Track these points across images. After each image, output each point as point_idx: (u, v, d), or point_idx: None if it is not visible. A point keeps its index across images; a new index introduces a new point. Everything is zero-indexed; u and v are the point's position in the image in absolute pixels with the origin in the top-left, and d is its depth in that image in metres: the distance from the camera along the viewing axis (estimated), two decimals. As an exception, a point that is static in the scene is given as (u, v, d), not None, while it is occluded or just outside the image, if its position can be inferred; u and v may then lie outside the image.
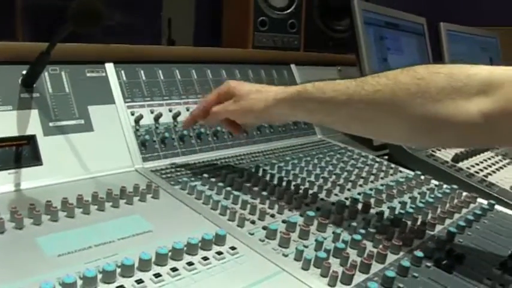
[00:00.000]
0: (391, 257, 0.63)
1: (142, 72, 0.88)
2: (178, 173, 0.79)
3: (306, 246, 0.62)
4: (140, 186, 0.70)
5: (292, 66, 1.17)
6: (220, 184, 0.75)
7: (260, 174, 0.84)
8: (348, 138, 1.13)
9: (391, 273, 0.57)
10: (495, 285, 0.61)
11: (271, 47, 1.22)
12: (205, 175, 0.78)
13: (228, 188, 0.74)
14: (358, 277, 0.57)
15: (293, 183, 0.82)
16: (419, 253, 0.63)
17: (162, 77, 0.90)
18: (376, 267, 0.60)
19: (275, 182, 0.82)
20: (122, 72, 0.85)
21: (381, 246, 0.64)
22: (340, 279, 0.56)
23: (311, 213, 0.69)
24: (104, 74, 0.83)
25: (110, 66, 0.84)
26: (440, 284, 0.59)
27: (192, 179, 0.77)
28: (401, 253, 0.65)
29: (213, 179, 0.76)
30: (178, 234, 0.58)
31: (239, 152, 0.93)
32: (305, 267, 0.57)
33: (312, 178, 0.86)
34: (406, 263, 0.60)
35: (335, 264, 0.58)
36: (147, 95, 0.86)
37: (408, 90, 0.60)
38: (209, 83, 0.97)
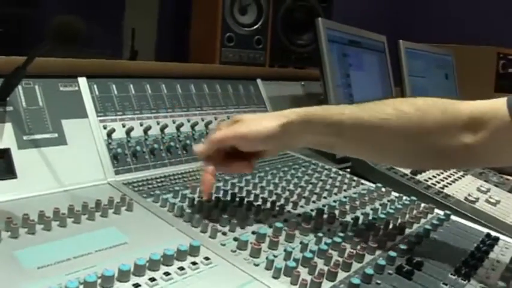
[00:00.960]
0: (355, 265, 0.67)
1: (114, 86, 0.90)
2: (150, 186, 0.81)
3: (276, 256, 0.65)
4: (114, 199, 0.72)
5: (259, 81, 1.21)
6: (191, 196, 0.77)
7: (228, 187, 0.87)
8: (311, 151, 1.17)
9: (356, 281, 0.61)
10: None
11: (237, 63, 1.25)
12: (177, 188, 0.80)
13: (199, 200, 0.77)
14: (326, 285, 0.61)
15: (261, 195, 0.85)
16: (382, 261, 0.68)
17: (133, 92, 0.92)
18: (341, 275, 0.64)
19: (243, 194, 0.85)
20: (95, 86, 0.87)
21: (346, 255, 0.68)
22: (309, 287, 0.59)
23: (279, 225, 0.72)
24: (77, 88, 0.84)
25: (82, 81, 0.86)
26: None
27: (164, 191, 0.79)
28: (365, 261, 0.69)
29: (183, 192, 0.79)
30: (153, 246, 0.60)
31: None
32: (276, 276, 0.60)
33: (279, 191, 0.89)
34: (370, 270, 0.64)
35: (304, 272, 0.62)
36: (119, 109, 0.88)
37: (409, 120, 0.68)
38: (178, 98, 1.00)
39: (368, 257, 0.70)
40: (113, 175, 0.82)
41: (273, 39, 1.41)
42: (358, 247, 0.71)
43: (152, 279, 0.55)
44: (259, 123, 0.72)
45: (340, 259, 0.66)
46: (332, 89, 1.13)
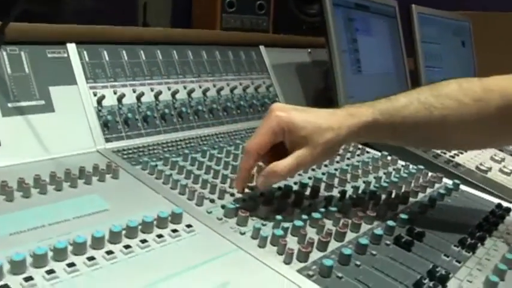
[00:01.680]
0: (350, 235, 0.64)
1: (105, 52, 0.87)
2: (141, 154, 0.78)
3: (264, 225, 0.63)
4: (100, 166, 0.69)
5: (261, 47, 1.16)
6: (182, 164, 0.75)
7: (223, 154, 0.84)
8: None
9: (347, 251, 0.57)
10: (451, 262, 0.62)
11: (239, 29, 1.21)
12: (167, 155, 0.77)
13: (190, 168, 0.74)
14: (315, 254, 0.58)
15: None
16: (378, 231, 0.64)
17: (126, 58, 0.89)
18: (334, 245, 0.61)
19: (238, 161, 0.82)
20: (85, 52, 0.84)
21: (340, 224, 0.64)
22: (297, 256, 0.56)
23: (272, 193, 0.69)
24: (65, 55, 0.82)
25: (71, 47, 0.83)
26: (397, 262, 0.60)
27: (154, 159, 0.76)
28: (362, 231, 0.66)
29: (175, 159, 0.76)
30: (135, 213, 0.58)
31: (204, 133, 0.93)
32: (261, 245, 0.58)
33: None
34: (364, 240, 0.61)
35: (292, 242, 0.59)
36: (110, 76, 0.86)
37: (471, 112, 0.66)
38: (174, 64, 0.97)
39: (365, 227, 0.67)
40: (103, 143, 0.79)
41: (281, 7, 1.36)
42: (354, 216, 0.67)
43: (127, 247, 0.52)
44: (331, 140, 0.66)
45: (334, 228, 0.63)
46: (337, 54, 1.09)
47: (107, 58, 0.87)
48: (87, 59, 0.84)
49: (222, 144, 0.87)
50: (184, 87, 0.95)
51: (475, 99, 0.66)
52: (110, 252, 0.51)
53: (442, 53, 1.58)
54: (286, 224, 0.61)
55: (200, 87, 0.98)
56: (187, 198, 0.66)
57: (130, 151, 0.79)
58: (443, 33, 1.60)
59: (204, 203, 0.65)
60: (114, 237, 0.53)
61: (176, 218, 0.59)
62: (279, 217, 0.62)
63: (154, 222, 0.58)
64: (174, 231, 0.57)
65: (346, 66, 1.13)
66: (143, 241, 0.54)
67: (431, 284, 0.55)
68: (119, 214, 0.59)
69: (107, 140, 0.80)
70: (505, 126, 0.67)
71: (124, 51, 0.90)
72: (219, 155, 0.81)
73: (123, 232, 0.55)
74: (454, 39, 1.68)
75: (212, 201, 0.66)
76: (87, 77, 0.82)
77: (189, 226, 0.59)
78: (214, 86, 1.01)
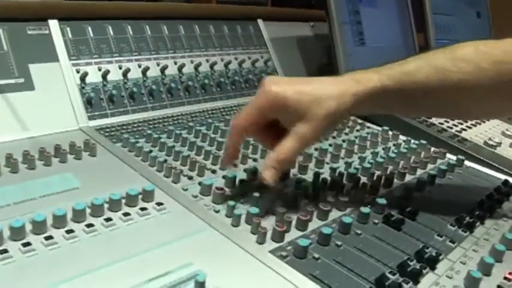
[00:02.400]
0: (335, 214, 0.61)
1: (90, 29, 0.84)
2: (124, 131, 0.76)
3: (242, 203, 0.60)
4: (77, 144, 0.67)
5: (260, 21, 1.12)
6: (164, 141, 0.72)
7: (211, 131, 0.81)
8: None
9: (327, 230, 0.54)
10: (445, 242, 0.59)
11: (236, 2, 1.17)
12: (150, 132, 0.75)
13: (172, 145, 0.71)
14: (294, 234, 0.55)
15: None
16: (366, 209, 0.61)
17: (112, 34, 0.87)
18: (316, 224, 0.58)
19: (225, 138, 0.78)
20: (68, 29, 0.82)
21: (323, 202, 0.60)
22: (272, 236, 0.53)
23: (255, 169, 0.66)
24: (47, 32, 0.79)
25: (54, 24, 0.81)
26: (384, 242, 0.57)
27: (137, 136, 0.74)
28: (349, 210, 0.62)
29: (157, 136, 0.73)
30: (106, 191, 0.55)
31: (195, 110, 0.90)
32: (235, 224, 0.55)
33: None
34: (348, 219, 0.57)
35: (271, 221, 0.56)
36: (95, 53, 0.83)
37: (490, 76, 0.60)
38: (164, 39, 0.93)
39: (353, 206, 0.63)
40: (86, 121, 0.77)
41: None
42: (341, 194, 0.64)
43: (90, 225, 0.50)
44: (334, 110, 0.58)
45: (317, 207, 0.59)
46: (337, 26, 1.04)
47: (92, 34, 0.84)
48: (70, 35, 0.81)
49: (211, 120, 0.84)
50: (175, 63, 0.92)
51: (495, 61, 0.60)
52: (70, 231, 0.49)
53: (454, 25, 1.50)
54: (263, 202, 0.58)
55: (192, 62, 0.95)
56: (165, 175, 0.64)
57: (114, 129, 0.77)
58: (456, 4, 1.53)
59: (181, 180, 0.63)
60: (78, 215, 0.51)
61: (147, 195, 0.57)
62: (256, 194, 0.59)
63: (123, 200, 0.55)
64: (143, 209, 0.55)
65: (347, 38, 1.08)
66: (108, 220, 0.51)
67: (418, 265, 0.52)
68: (89, 192, 0.57)
69: (90, 118, 0.77)
70: None
71: (110, 27, 0.87)
72: (206, 132, 0.79)
73: (88, 211, 0.52)
74: (468, 10, 1.60)
75: (190, 178, 0.64)
76: (70, 54, 0.80)
77: (159, 204, 0.56)
78: (207, 61, 0.97)
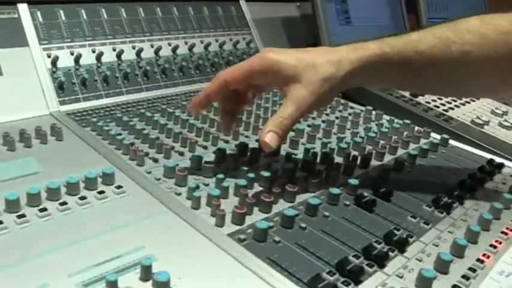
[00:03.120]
0: (304, 196, 0.59)
1: (62, 12, 0.83)
2: (95, 115, 0.75)
3: (207, 185, 0.58)
4: (43, 128, 0.66)
5: (242, 2, 1.10)
6: (133, 123, 0.71)
7: (186, 113, 0.79)
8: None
9: (290, 212, 0.52)
10: (418, 224, 0.57)
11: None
12: (120, 115, 0.73)
13: (141, 127, 0.70)
14: (257, 216, 0.53)
15: (218, 120, 0.77)
16: (335, 190, 0.59)
17: (85, 17, 0.85)
18: (282, 206, 0.56)
19: (199, 121, 0.77)
20: (38, 13, 0.80)
21: (290, 184, 0.58)
22: (231, 218, 0.51)
23: (221, 150, 0.65)
24: (16, 16, 0.78)
25: (23, 7, 0.79)
26: (354, 224, 0.55)
27: (108, 120, 0.73)
28: (319, 192, 0.61)
29: (127, 119, 0.72)
30: (67, 175, 0.54)
31: (172, 93, 0.89)
32: (195, 206, 0.53)
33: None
34: (314, 200, 0.56)
35: (233, 203, 0.54)
36: (67, 36, 0.81)
37: (497, 47, 0.58)
38: (140, 22, 0.92)
39: (324, 187, 0.61)
40: (57, 106, 0.76)
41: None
42: (312, 175, 0.62)
43: (43, 210, 0.49)
44: (329, 76, 0.56)
45: (283, 188, 0.57)
46: (320, 4, 1.01)
47: (64, 18, 0.82)
48: (40, 19, 0.80)
49: (186, 103, 0.82)
50: (151, 46, 0.90)
51: (502, 32, 0.57)
52: (21, 216, 0.48)
53: (447, 3, 1.47)
54: (226, 184, 0.56)
55: (169, 45, 0.93)
56: (130, 158, 0.62)
57: (85, 113, 0.75)
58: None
59: (146, 162, 0.62)
60: (32, 200, 0.50)
61: (107, 178, 0.55)
62: (221, 176, 0.58)
63: (83, 184, 0.54)
64: (101, 192, 0.53)
65: (331, 17, 1.06)
66: (62, 204, 0.50)
67: (386, 248, 0.50)
68: (49, 177, 0.55)
69: (62, 103, 0.76)
70: None
71: (83, 10, 0.85)
72: (179, 114, 0.77)
73: (45, 195, 0.51)
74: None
75: (156, 160, 0.62)
76: (41, 38, 0.79)
77: (119, 187, 0.55)
78: (185, 43, 0.95)
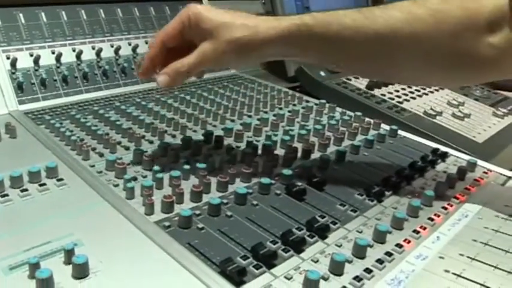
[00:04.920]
0: (237, 186, 0.62)
1: (21, 15, 0.86)
2: (52, 114, 0.78)
3: (145, 176, 0.62)
4: (-4, 127, 0.70)
5: (204, 0, 1.13)
6: (84, 121, 0.75)
7: (140, 110, 0.83)
8: (265, 72, 1.10)
9: (215, 201, 0.56)
10: (346, 212, 0.59)
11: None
12: (74, 113, 0.78)
13: (91, 124, 0.74)
14: (187, 206, 0.56)
15: (169, 116, 0.81)
16: (265, 180, 0.61)
17: (44, 19, 0.89)
18: (214, 195, 0.59)
19: (152, 116, 0.81)
20: (-4, 16, 0.84)
21: (221, 174, 0.61)
22: (161, 207, 0.55)
23: (163, 144, 0.69)
24: (-26, 19, 0.82)
25: (-19, 11, 0.83)
26: (280, 212, 0.58)
27: (63, 118, 0.77)
28: (253, 182, 0.63)
29: (79, 117, 0.76)
30: (14, 170, 0.58)
31: (129, 91, 0.92)
32: (129, 197, 0.57)
33: (190, 110, 0.85)
34: (242, 190, 0.59)
35: (163, 193, 0.57)
36: (26, 38, 0.85)
37: (425, 23, 0.56)
38: (101, 23, 0.95)
39: (259, 177, 0.63)
40: (16, 105, 0.80)
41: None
42: (248, 166, 0.64)
43: (-17, 202, 0.53)
44: (244, 37, 0.58)
45: (215, 178, 0.61)
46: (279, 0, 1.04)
47: (23, 21, 0.86)
48: (-1, 22, 0.84)
49: (139, 100, 0.86)
50: (111, 46, 0.94)
51: (432, 9, 0.56)
52: (-38, 209, 0.52)
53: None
54: (160, 175, 0.60)
55: (129, 44, 0.96)
56: (77, 153, 0.66)
57: (43, 112, 0.79)
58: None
59: (91, 157, 0.65)
60: (-26, 192, 0.54)
61: (50, 172, 0.59)
62: (156, 168, 0.61)
63: (26, 178, 0.58)
64: (42, 185, 0.57)
65: (288, 3, 1.07)
66: (4, 195, 0.54)
67: (307, 234, 0.53)
68: (-4, 171, 0.59)
69: (21, 102, 0.80)
70: (465, 47, 0.57)
71: (43, 13, 0.89)
72: (131, 111, 0.81)
73: (-14, 189, 0.55)
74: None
75: (101, 155, 0.66)
76: (0, 41, 0.82)
77: (60, 180, 0.59)
78: (146, 43, 0.99)
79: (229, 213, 0.56)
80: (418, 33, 0.57)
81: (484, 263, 0.51)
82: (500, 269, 0.50)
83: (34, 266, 0.43)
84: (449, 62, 0.58)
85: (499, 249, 0.54)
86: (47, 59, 0.86)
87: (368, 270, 0.48)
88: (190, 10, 0.60)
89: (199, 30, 0.59)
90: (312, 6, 1.14)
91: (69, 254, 0.45)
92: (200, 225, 0.53)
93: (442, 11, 0.56)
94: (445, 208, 0.62)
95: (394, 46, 0.58)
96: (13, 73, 0.81)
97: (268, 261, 0.48)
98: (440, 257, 0.52)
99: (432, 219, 0.59)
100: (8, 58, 0.82)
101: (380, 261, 0.50)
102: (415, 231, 0.56)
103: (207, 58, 0.59)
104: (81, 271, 0.43)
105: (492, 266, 0.50)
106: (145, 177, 0.62)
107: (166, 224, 0.52)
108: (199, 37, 0.59)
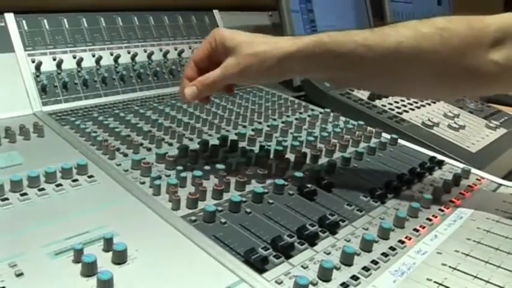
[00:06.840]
0: (253, 186, 0.66)
1: (45, 21, 0.91)
2: (74, 115, 0.83)
3: (168, 175, 0.67)
4: (26, 126, 0.74)
5: (215, 12, 1.18)
6: (107, 123, 0.80)
7: (157, 114, 0.88)
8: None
9: (236, 198, 0.60)
10: (353, 211, 0.64)
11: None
12: (96, 115, 0.82)
13: (114, 126, 0.79)
14: (209, 202, 0.61)
15: (185, 120, 0.86)
16: (280, 181, 0.67)
17: (67, 26, 0.94)
18: (232, 194, 0.64)
19: (169, 120, 0.86)
20: (23, 21, 0.89)
21: (240, 175, 0.66)
22: (186, 203, 0.60)
23: (184, 146, 0.73)
24: (2, 24, 0.86)
25: (9, 16, 0.88)
26: (294, 210, 0.62)
27: (86, 119, 0.81)
28: (268, 182, 0.68)
29: (103, 119, 0.81)
30: (46, 166, 0.62)
31: (146, 95, 0.97)
32: (155, 193, 0.62)
33: (204, 115, 0.90)
34: (259, 189, 0.63)
35: (188, 191, 0.61)
36: (49, 43, 0.90)
37: (431, 41, 0.60)
38: (119, 30, 1.00)
39: (272, 179, 0.68)
40: (40, 106, 0.84)
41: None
42: (263, 168, 0.69)
43: (24, 194, 0.57)
44: (264, 54, 0.63)
45: (234, 179, 0.66)
46: (287, 14, 1.10)
47: (47, 27, 0.91)
48: (25, 27, 0.88)
49: (156, 105, 0.91)
50: (128, 52, 0.99)
51: (438, 27, 0.60)
52: (5, 199, 0.56)
53: (414, 12, 1.55)
54: (184, 174, 0.65)
55: (145, 51, 1.01)
56: (103, 153, 0.71)
57: (66, 113, 0.84)
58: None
59: (116, 156, 0.70)
60: (14, 186, 0.58)
61: (81, 169, 0.64)
62: (179, 167, 0.66)
63: (59, 174, 0.62)
64: (75, 180, 0.62)
65: (297, 27, 1.14)
66: (41, 189, 0.59)
67: (319, 230, 0.58)
68: (31, 167, 0.63)
69: (44, 104, 0.85)
70: (470, 63, 0.61)
71: (65, 20, 0.94)
72: (149, 115, 0.85)
73: (26, 182, 0.59)
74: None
75: (125, 155, 0.71)
76: (26, 45, 0.87)
77: (91, 176, 0.63)
78: (160, 50, 1.04)
79: (248, 210, 0.61)
80: (425, 51, 0.60)
81: (477, 258, 0.57)
82: (491, 263, 0.56)
83: (79, 252, 0.47)
84: (455, 77, 0.62)
85: (490, 247, 0.60)
86: (69, 63, 0.90)
87: (374, 262, 0.54)
88: (215, 32, 0.66)
89: (224, 48, 0.65)
90: (318, 21, 1.19)
91: (108, 242, 0.49)
92: (223, 220, 0.58)
93: (448, 30, 0.60)
94: (442, 210, 0.68)
95: (403, 63, 0.61)
96: (37, 76, 0.86)
97: (286, 252, 0.53)
98: (438, 253, 0.58)
99: (430, 220, 0.65)
100: (33, 62, 0.86)
101: (385, 254, 0.56)
102: (415, 229, 0.62)
103: (230, 72, 0.64)
104: (121, 257, 0.48)
105: (484, 261, 0.56)
106: (168, 176, 0.66)
107: (193, 218, 0.57)
108: (225, 55, 0.65)
